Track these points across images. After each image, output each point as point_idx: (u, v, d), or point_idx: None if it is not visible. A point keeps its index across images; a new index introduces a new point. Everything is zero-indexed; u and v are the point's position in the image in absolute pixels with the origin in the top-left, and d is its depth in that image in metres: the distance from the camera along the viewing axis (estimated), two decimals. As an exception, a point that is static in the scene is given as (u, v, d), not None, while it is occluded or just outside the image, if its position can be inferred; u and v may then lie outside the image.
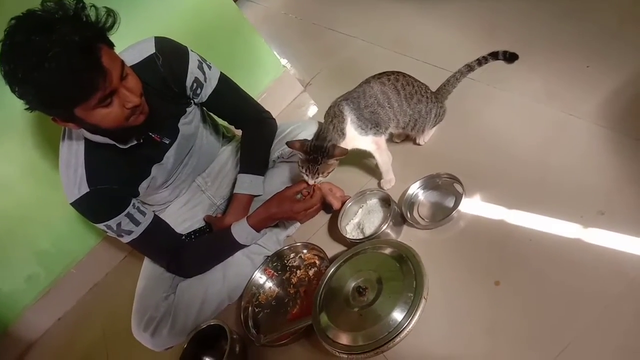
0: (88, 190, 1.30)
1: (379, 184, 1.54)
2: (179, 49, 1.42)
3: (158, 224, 1.48)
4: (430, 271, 1.08)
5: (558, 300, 1.02)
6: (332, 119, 1.33)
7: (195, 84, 1.44)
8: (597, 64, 1.44)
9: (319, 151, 1.30)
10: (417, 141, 1.57)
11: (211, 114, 1.67)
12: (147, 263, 1.61)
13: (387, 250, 1.20)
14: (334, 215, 1.54)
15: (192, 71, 1.42)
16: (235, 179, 1.59)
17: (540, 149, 1.33)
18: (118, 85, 1.12)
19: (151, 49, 1.36)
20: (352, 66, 2.28)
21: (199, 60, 1.44)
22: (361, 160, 1.63)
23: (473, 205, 1.31)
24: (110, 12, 1.09)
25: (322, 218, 1.60)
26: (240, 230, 1.47)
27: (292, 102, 2.35)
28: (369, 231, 1.38)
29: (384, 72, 1.39)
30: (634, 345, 0.90)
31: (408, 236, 1.36)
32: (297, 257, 1.54)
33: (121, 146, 1.30)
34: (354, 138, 1.36)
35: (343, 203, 1.50)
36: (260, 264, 1.56)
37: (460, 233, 1.28)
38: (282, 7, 3.43)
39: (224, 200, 1.73)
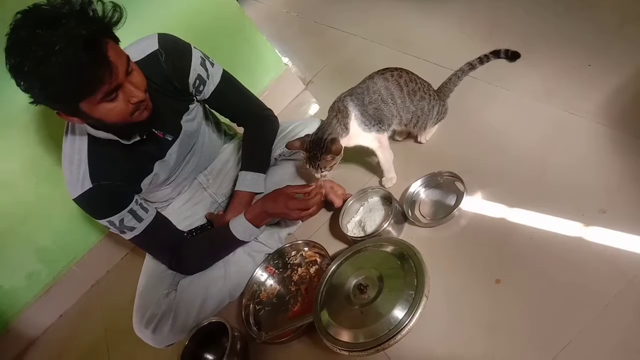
0: (91, 186, 1.30)
1: (380, 181, 1.54)
2: (182, 45, 1.43)
3: (160, 220, 1.49)
4: (432, 269, 1.09)
5: (558, 299, 1.02)
6: (337, 113, 1.34)
7: (197, 81, 1.44)
8: (598, 62, 1.44)
9: (317, 147, 1.31)
10: (419, 139, 1.57)
11: (213, 111, 1.68)
12: (148, 260, 1.61)
13: (389, 248, 1.21)
14: (336, 213, 1.54)
15: (195, 68, 1.42)
16: (237, 177, 1.59)
17: (541, 147, 1.33)
18: (123, 80, 1.12)
19: (154, 46, 1.36)
20: (353, 64, 2.28)
21: (201, 57, 1.45)
22: (363, 158, 1.64)
23: (474, 204, 1.31)
24: (116, 7, 1.09)
25: (324, 216, 1.61)
26: (238, 225, 1.47)
27: (294, 100, 2.36)
28: (370, 229, 1.38)
29: (387, 68, 1.40)
30: (634, 344, 0.90)
31: (409, 234, 1.36)
32: (298, 255, 1.55)
33: (124, 142, 1.30)
34: (357, 134, 1.36)
35: (344, 201, 1.51)
36: (261, 261, 1.56)
37: (461, 231, 1.28)
38: (283, 5, 3.43)
39: (226, 198, 1.73)
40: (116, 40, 1.13)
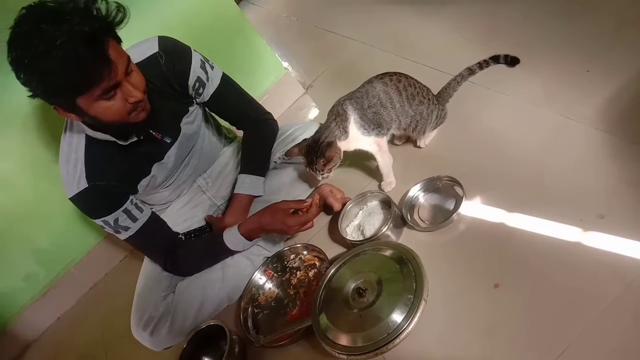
0: (87, 186, 1.30)
1: (379, 186, 1.55)
2: (182, 48, 1.44)
3: (155, 221, 1.49)
4: (430, 273, 1.09)
5: (557, 303, 1.02)
6: (336, 116, 1.35)
7: (197, 83, 1.44)
8: (596, 67, 1.44)
9: (313, 151, 1.33)
10: (418, 144, 1.57)
11: (213, 114, 1.68)
12: (146, 262, 1.61)
13: (388, 252, 1.21)
14: (335, 216, 1.54)
15: (195, 70, 1.43)
16: (236, 180, 1.60)
17: (540, 152, 1.34)
18: (122, 79, 1.13)
19: (154, 48, 1.37)
20: (353, 69, 2.29)
21: (201, 60, 1.45)
22: (362, 162, 1.64)
23: (473, 208, 1.32)
24: (120, 7, 1.10)
25: (323, 219, 1.61)
26: (231, 237, 1.46)
27: (293, 104, 2.36)
28: (369, 233, 1.38)
29: (386, 73, 1.41)
30: (632, 348, 0.90)
31: (408, 238, 1.36)
32: (297, 259, 1.54)
33: (121, 143, 1.30)
34: (356, 138, 1.37)
35: (343, 205, 1.51)
36: (260, 264, 1.56)
37: (460, 235, 1.29)
38: (283, 10, 3.44)
39: (225, 200, 1.73)
40: (118, 40, 1.14)
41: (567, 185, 1.22)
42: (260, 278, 1.54)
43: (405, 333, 0.99)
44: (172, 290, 1.52)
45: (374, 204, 1.49)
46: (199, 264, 1.54)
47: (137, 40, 1.39)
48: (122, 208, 1.37)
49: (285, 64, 2.53)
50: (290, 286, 1.49)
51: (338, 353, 1.06)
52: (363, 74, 1.46)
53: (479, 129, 1.53)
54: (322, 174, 1.38)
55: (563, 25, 1.66)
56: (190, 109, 1.50)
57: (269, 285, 1.53)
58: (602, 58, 1.46)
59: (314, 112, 2.24)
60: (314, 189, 1.62)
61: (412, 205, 1.42)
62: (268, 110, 1.71)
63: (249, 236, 1.46)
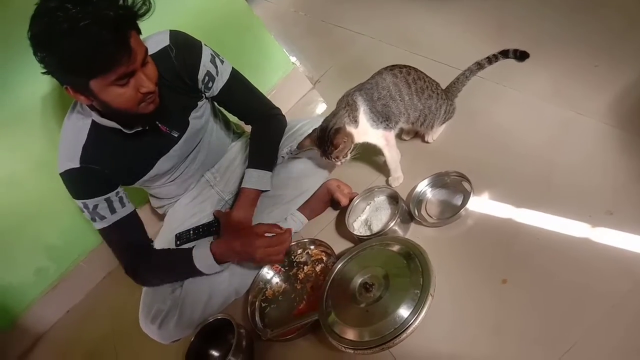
0: (78, 166, 1.32)
1: (387, 181, 1.55)
2: (193, 42, 1.44)
3: (132, 221, 1.45)
4: (437, 268, 1.09)
5: (565, 299, 1.02)
6: (346, 105, 1.36)
7: (207, 77, 1.45)
8: (605, 62, 1.43)
9: (323, 140, 1.34)
10: (426, 138, 1.57)
11: (221, 109, 1.68)
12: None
13: (395, 247, 1.21)
14: (342, 211, 1.55)
15: (205, 64, 1.43)
16: (244, 174, 1.60)
17: (549, 147, 1.33)
18: (138, 68, 1.15)
19: (165, 41, 1.37)
20: (361, 64, 2.28)
21: (212, 55, 1.46)
22: (370, 157, 1.64)
23: (481, 204, 1.31)
24: (146, 0, 1.11)
25: (330, 214, 1.61)
26: (200, 255, 1.40)
27: (301, 99, 2.36)
28: (376, 228, 1.38)
29: (395, 65, 1.40)
30: (640, 345, 0.90)
31: (415, 234, 1.36)
32: (304, 253, 1.55)
33: (126, 131, 1.31)
34: (365, 130, 1.37)
35: (351, 200, 1.51)
36: (267, 259, 1.56)
37: (467, 231, 1.28)
38: (291, 5, 3.43)
39: (233, 195, 1.73)
40: (139, 31, 1.16)
41: (576, 181, 1.21)
42: (267, 272, 1.55)
43: (411, 328, 0.99)
44: (180, 284, 1.52)
45: (381, 199, 1.49)
46: (160, 278, 1.50)
47: (145, 35, 1.39)
48: (105, 196, 1.36)
49: (293, 59, 2.53)
50: (298, 281, 1.49)
51: (345, 347, 1.06)
52: (371, 69, 1.45)
53: (487, 124, 1.52)
54: (339, 161, 1.38)
55: (572, 21, 1.65)
56: (199, 103, 1.50)
57: (276, 280, 1.54)
58: (611, 53, 1.45)
59: (321, 107, 2.23)
60: (322, 182, 1.63)
61: (419, 201, 1.42)
62: (276, 105, 1.71)
63: (218, 258, 1.40)
